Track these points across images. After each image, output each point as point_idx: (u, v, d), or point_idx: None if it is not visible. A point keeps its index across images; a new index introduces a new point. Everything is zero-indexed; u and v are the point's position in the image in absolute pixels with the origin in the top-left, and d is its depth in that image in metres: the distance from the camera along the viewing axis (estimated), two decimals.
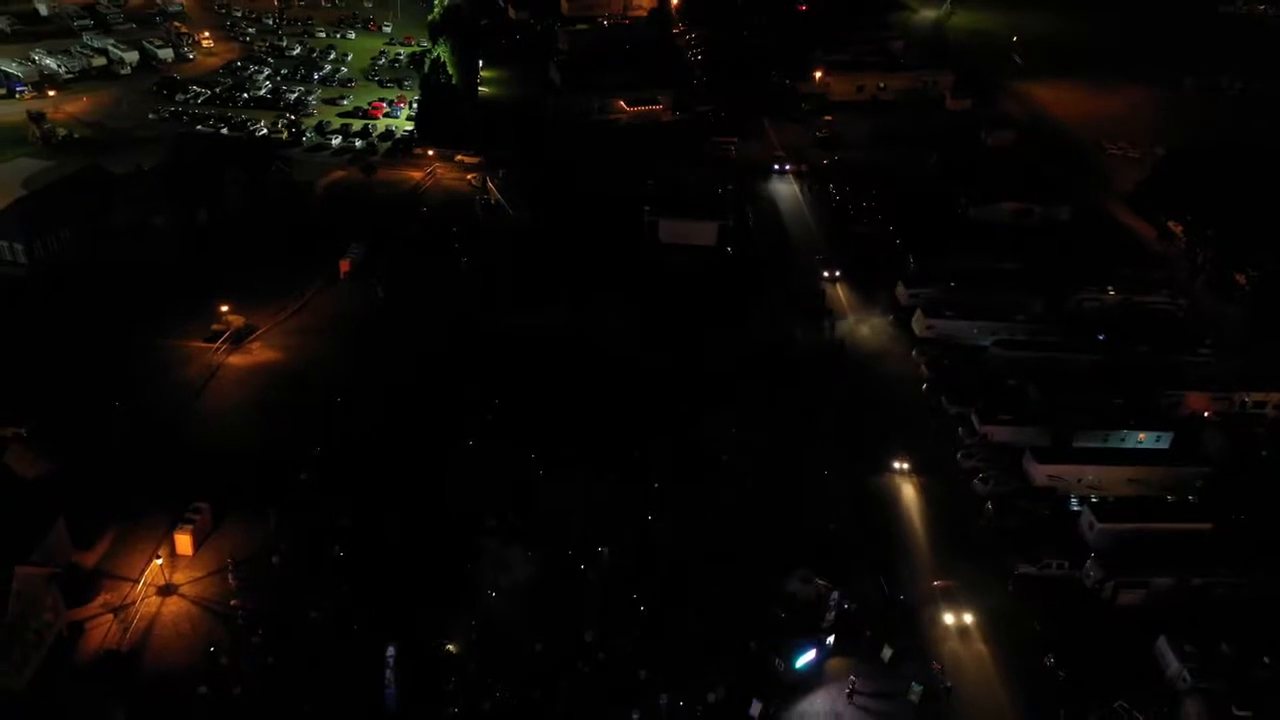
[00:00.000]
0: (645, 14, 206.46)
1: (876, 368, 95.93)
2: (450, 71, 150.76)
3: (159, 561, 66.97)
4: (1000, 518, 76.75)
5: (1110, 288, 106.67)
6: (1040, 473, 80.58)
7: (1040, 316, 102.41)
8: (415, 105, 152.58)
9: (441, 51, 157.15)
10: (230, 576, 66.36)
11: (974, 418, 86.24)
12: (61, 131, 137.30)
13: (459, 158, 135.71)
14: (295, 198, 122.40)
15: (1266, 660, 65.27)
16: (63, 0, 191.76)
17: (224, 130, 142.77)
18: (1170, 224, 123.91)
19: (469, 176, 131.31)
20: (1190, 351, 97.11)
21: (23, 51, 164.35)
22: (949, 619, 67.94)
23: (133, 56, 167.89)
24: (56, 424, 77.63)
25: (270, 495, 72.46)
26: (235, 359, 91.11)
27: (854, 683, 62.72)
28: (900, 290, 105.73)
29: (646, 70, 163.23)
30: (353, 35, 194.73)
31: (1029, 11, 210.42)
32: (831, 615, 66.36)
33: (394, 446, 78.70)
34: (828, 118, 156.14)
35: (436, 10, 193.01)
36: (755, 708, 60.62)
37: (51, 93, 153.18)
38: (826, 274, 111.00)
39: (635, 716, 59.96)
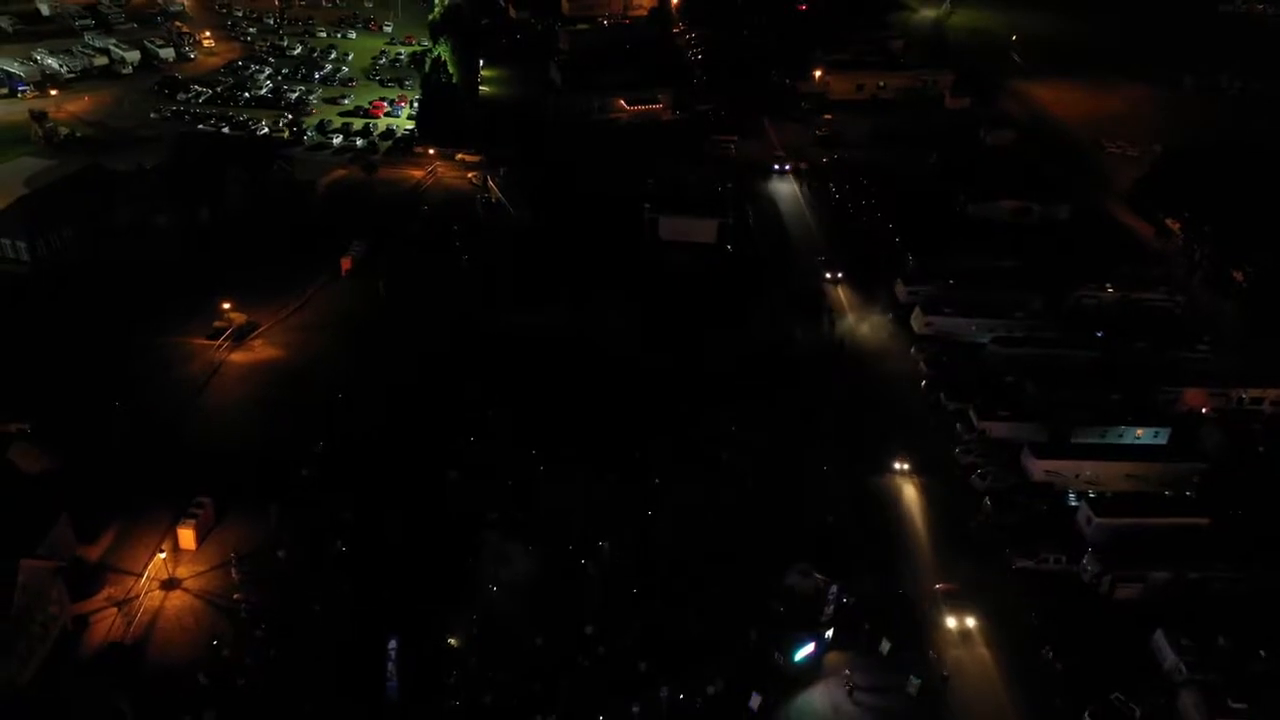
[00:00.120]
0: (645, 14, 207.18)
1: (876, 365, 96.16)
2: (451, 71, 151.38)
3: (162, 556, 67.24)
4: (998, 513, 77.05)
5: (1108, 285, 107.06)
6: (1038, 468, 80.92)
7: (1038, 314, 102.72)
8: (416, 104, 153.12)
9: (442, 51, 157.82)
10: (233, 571, 66.76)
11: (972, 414, 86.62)
12: (64, 130, 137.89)
13: (460, 156, 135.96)
14: (296, 196, 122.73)
15: (1262, 654, 65.61)
16: (64, 0, 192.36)
17: (225, 129, 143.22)
18: (1168, 221, 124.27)
19: (470, 175, 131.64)
20: (1188, 348, 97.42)
21: (25, 51, 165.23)
22: (951, 622, 67.70)
23: (134, 56, 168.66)
24: (60, 420, 77.83)
25: (272, 491, 72.74)
26: (237, 356, 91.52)
27: (849, 678, 62.98)
28: (899, 288, 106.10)
29: (647, 70, 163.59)
30: (353, 35, 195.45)
31: (1028, 11, 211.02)
32: (830, 609, 66.59)
33: (395, 443, 78.88)
34: (827, 117, 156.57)
35: (437, 10, 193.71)
36: (754, 700, 60.95)
37: (53, 92, 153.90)
38: (827, 274, 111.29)
39: (635, 709, 60.24)
